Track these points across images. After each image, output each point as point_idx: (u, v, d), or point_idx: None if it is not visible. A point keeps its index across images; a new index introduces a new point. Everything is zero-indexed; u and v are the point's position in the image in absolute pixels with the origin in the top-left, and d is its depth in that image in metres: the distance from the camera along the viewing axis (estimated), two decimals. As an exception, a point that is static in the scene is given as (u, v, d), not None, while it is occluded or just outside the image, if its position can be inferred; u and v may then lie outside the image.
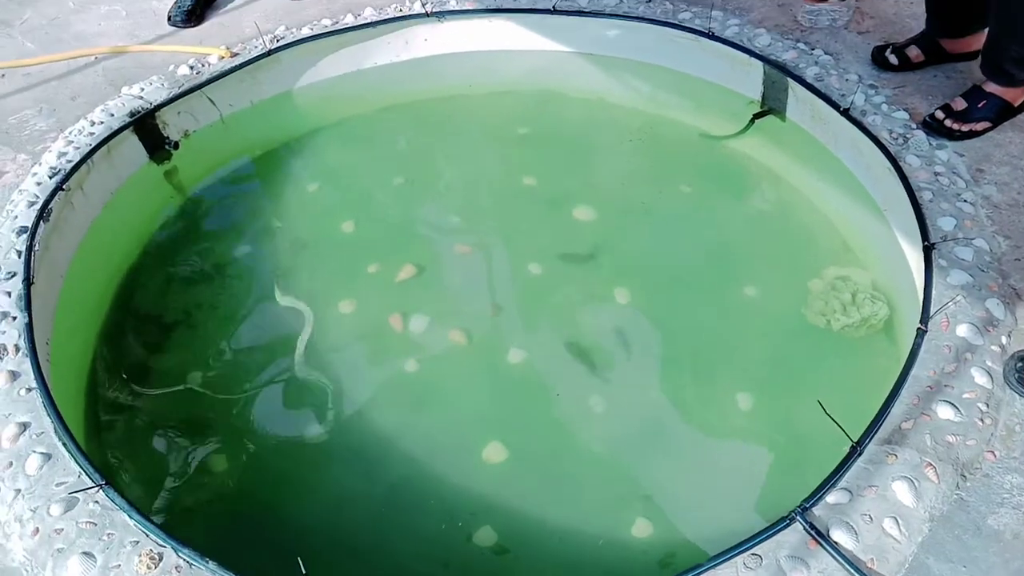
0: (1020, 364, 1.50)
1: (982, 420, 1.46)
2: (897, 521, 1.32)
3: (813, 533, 1.31)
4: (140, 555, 1.36)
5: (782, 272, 2.13)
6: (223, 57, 2.65)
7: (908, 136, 2.05)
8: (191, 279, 2.33)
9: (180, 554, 1.35)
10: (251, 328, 2.18)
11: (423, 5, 2.76)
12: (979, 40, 2.15)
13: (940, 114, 2.06)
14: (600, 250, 2.26)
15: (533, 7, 2.72)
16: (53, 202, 2.12)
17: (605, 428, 1.86)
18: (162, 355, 2.11)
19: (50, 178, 2.19)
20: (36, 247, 1.99)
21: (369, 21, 2.74)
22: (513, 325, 2.10)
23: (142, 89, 2.53)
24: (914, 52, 2.27)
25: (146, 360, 2.11)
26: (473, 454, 1.83)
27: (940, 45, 2.25)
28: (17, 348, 1.73)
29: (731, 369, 1.94)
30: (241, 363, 2.09)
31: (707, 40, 2.50)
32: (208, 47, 2.71)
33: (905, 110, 2.13)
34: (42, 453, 1.53)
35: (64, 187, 2.16)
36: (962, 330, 1.60)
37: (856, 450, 1.43)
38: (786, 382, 1.88)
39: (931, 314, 1.63)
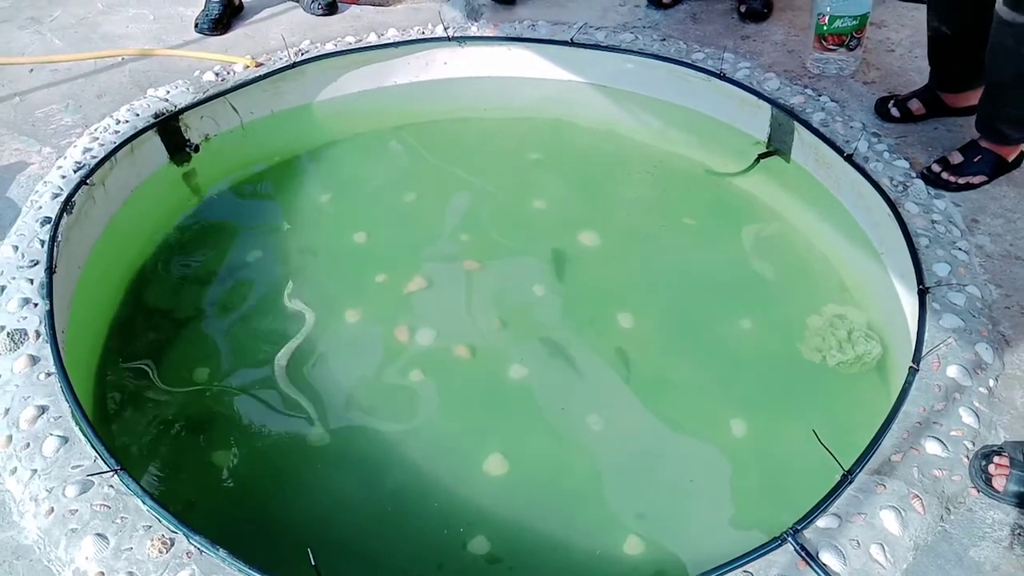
0: (984, 463, 1.48)
1: (968, 457, 1.52)
2: (883, 548, 1.38)
3: (803, 554, 1.36)
4: (152, 539, 1.40)
5: (780, 307, 2.20)
6: (248, 66, 2.73)
7: (908, 184, 2.14)
8: (203, 279, 2.38)
9: (192, 541, 1.39)
10: (259, 329, 2.22)
11: (445, 30, 2.84)
12: (978, 96, 2.24)
13: (937, 167, 2.15)
14: (604, 275, 2.33)
15: (551, 38, 2.81)
16: (77, 195, 2.17)
17: (603, 446, 1.92)
18: (171, 351, 2.16)
19: (74, 172, 2.25)
20: (59, 238, 2.04)
21: (392, 41, 2.82)
22: (517, 342, 2.16)
23: (167, 92, 2.60)
24: (916, 105, 2.36)
25: (155, 354, 2.15)
26: (474, 465, 1.87)
27: (941, 99, 2.34)
28: (38, 334, 1.78)
29: (726, 397, 2.00)
30: (248, 363, 2.13)
31: (718, 80, 2.59)
32: (234, 56, 2.78)
33: (906, 159, 2.22)
34: (59, 436, 1.57)
35: (88, 182, 2.22)
36: (952, 371, 1.67)
37: (847, 478, 1.49)
38: (780, 412, 1.94)
39: (923, 354, 1.70)
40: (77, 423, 1.60)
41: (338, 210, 2.61)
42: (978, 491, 1.47)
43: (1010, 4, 1.89)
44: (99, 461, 1.53)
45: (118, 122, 2.45)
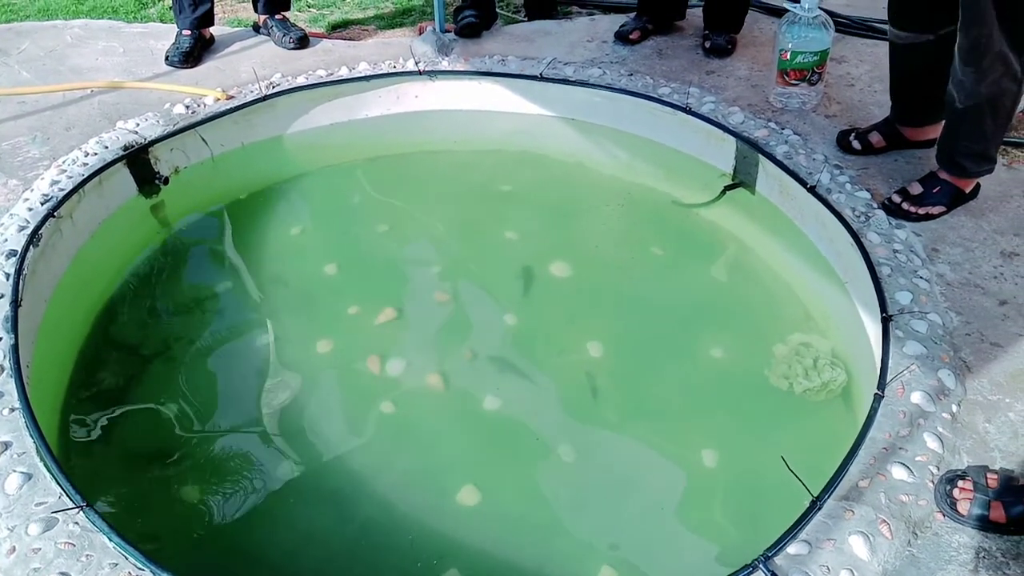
0: (948, 487, 1.51)
1: (933, 482, 1.55)
2: (852, 573, 1.39)
3: (774, 581, 1.37)
4: (118, 577, 1.37)
5: (747, 336, 2.23)
6: (219, 99, 2.73)
7: (869, 215, 2.19)
8: (171, 312, 2.36)
9: (159, 578, 1.37)
10: (227, 363, 2.20)
11: (416, 64, 2.88)
12: (937, 130, 2.31)
13: (897, 197, 2.21)
14: (575, 305, 2.35)
15: (521, 73, 2.86)
16: (44, 228, 2.15)
17: (575, 476, 1.92)
18: (139, 385, 2.13)
19: (42, 204, 2.23)
20: (24, 271, 2.01)
21: (363, 75, 2.85)
22: (488, 372, 2.16)
23: (137, 124, 2.60)
24: (876, 138, 2.42)
25: (122, 389, 2.12)
26: (446, 496, 1.86)
27: (901, 132, 2.41)
28: (2, 368, 1.75)
29: (697, 425, 2.02)
30: (216, 397, 2.11)
31: (684, 114, 2.65)
32: (204, 88, 2.79)
33: (867, 190, 2.27)
34: (23, 473, 1.55)
35: (55, 214, 2.20)
36: (916, 397, 1.70)
37: (816, 505, 1.50)
38: (749, 439, 1.96)
39: (888, 381, 1.73)
40: (42, 459, 1.57)
41: (309, 242, 2.61)
42: (944, 515, 1.50)
43: (963, 61, 1.97)
44: (64, 497, 1.50)
45: (87, 154, 2.44)
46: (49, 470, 1.55)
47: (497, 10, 3.27)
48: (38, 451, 1.58)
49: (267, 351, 2.20)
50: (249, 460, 1.96)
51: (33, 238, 2.11)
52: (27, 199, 2.26)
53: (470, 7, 3.11)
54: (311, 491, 1.89)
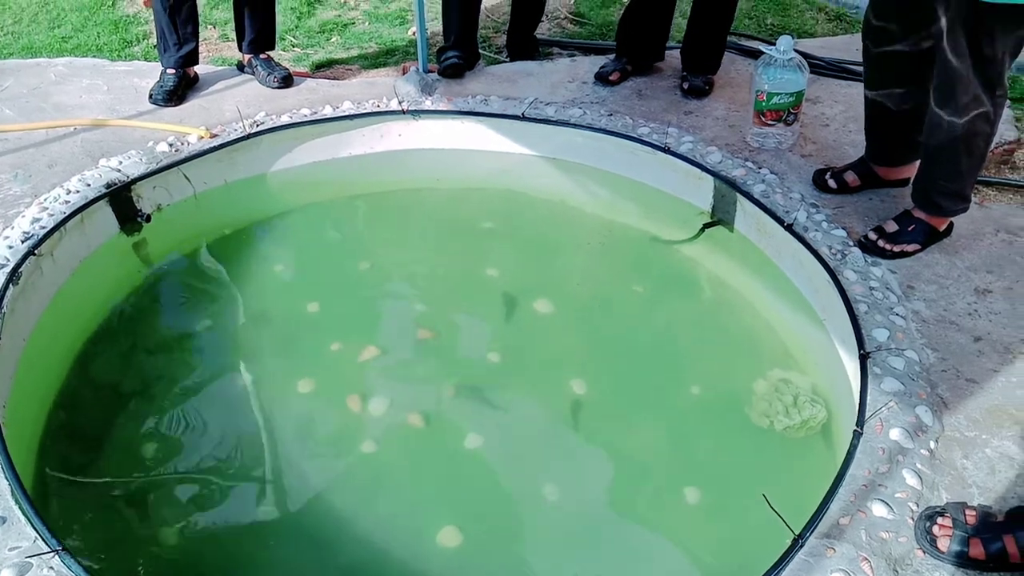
0: (928, 524, 1.53)
1: (912, 519, 1.56)
2: (835, 612, 1.40)
3: (757, 620, 1.37)
4: (94, 622, 1.35)
5: (727, 373, 2.24)
6: (202, 137, 2.74)
7: (846, 252, 2.22)
8: (151, 350, 2.34)
9: (135, 622, 1.35)
10: (208, 402, 2.19)
11: (400, 103, 2.91)
12: (911, 169, 2.36)
13: (873, 235, 2.25)
14: (557, 342, 2.36)
15: (503, 112, 2.90)
16: (24, 266, 2.14)
17: (557, 516, 1.91)
18: (117, 425, 2.11)
19: (22, 242, 2.22)
20: (3, 309, 2.00)
21: (347, 114, 2.87)
22: (471, 410, 2.16)
23: (120, 162, 2.60)
24: (851, 177, 2.47)
25: (101, 429, 2.10)
26: (427, 537, 1.85)
27: (875, 171, 2.46)
28: (-22, 408, 1.73)
29: (680, 463, 2.02)
30: (195, 437, 2.09)
31: (663, 154, 2.69)
32: (188, 127, 2.80)
33: (843, 228, 2.31)
34: (-3, 516, 1.52)
35: (36, 252, 2.20)
36: (895, 434, 1.72)
37: (797, 543, 1.51)
38: (731, 478, 1.96)
39: (866, 418, 1.75)
40: (17, 502, 1.55)
41: (291, 279, 2.61)
42: (924, 552, 1.50)
43: (938, 104, 2.02)
44: (39, 541, 1.48)
45: (69, 192, 2.44)
46: (24, 513, 1.53)
47: (480, 51, 3.32)
48: (13, 494, 1.56)
49: (248, 391, 2.19)
50: (228, 502, 1.94)
51: (13, 276, 2.10)
52: (7, 237, 2.25)
53: (453, 48, 3.16)
54: (291, 533, 1.87)
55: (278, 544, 1.85)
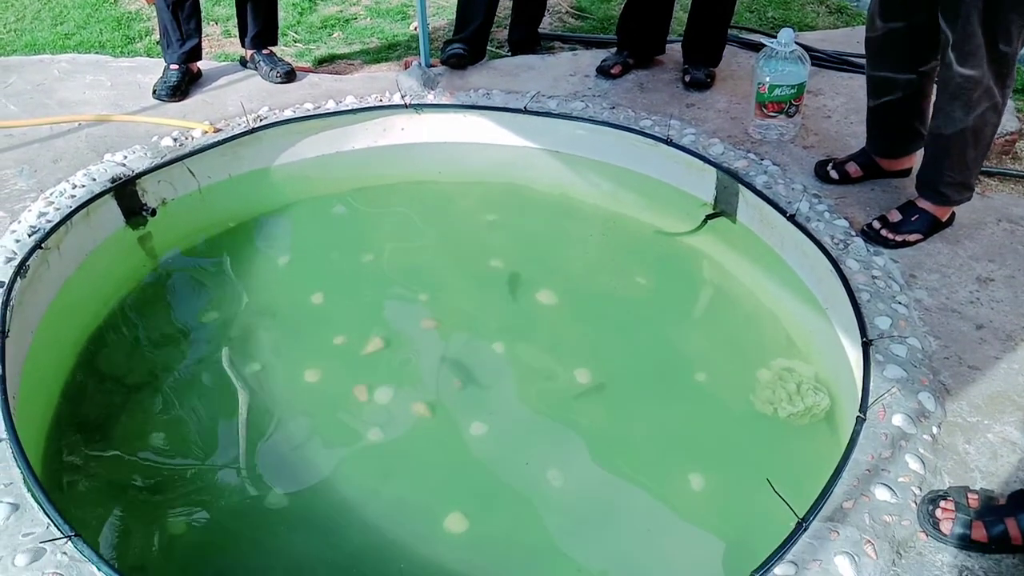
0: (931, 507, 1.54)
1: (915, 502, 1.57)
2: (839, 593, 1.41)
3: (762, 602, 1.39)
4: (107, 606, 1.36)
5: (730, 362, 2.26)
6: (206, 132, 2.76)
7: (848, 242, 2.24)
8: (157, 343, 2.36)
9: (148, 606, 1.36)
10: (214, 393, 2.20)
11: (403, 97, 2.92)
12: (912, 160, 2.37)
13: (876, 224, 2.26)
14: (561, 332, 2.37)
15: (506, 106, 2.91)
16: (31, 259, 2.15)
17: (563, 501, 1.93)
18: (124, 416, 2.12)
19: (29, 236, 2.24)
20: (12, 302, 2.01)
21: (350, 108, 2.89)
22: (475, 399, 2.18)
23: (125, 157, 2.61)
24: (853, 168, 2.48)
25: (108, 420, 2.11)
26: (434, 524, 1.86)
27: (877, 162, 2.47)
28: (-12, 399, 1.75)
29: (684, 450, 2.04)
30: (202, 427, 2.11)
31: (665, 146, 2.70)
32: (192, 122, 2.81)
33: (845, 219, 2.33)
34: (10, 504, 1.54)
35: (43, 245, 2.21)
36: (897, 420, 1.73)
37: (802, 526, 1.52)
38: (735, 464, 1.98)
39: (869, 404, 1.77)
40: (29, 489, 1.56)
41: (295, 272, 2.62)
42: (927, 535, 1.52)
43: (951, 94, 2.02)
44: (52, 528, 1.49)
45: (74, 186, 2.45)
46: (37, 500, 1.54)
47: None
48: (25, 481, 1.58)
49: (254, 381, 2.20)
50: (237, 490, 1.96)
51: (20, 269, 2.12)
52: (14, 231, 2.26)
53: (461, 40, 3.17)
54: (299, 520, 1.89)
55: (286, 531, 1.86)
